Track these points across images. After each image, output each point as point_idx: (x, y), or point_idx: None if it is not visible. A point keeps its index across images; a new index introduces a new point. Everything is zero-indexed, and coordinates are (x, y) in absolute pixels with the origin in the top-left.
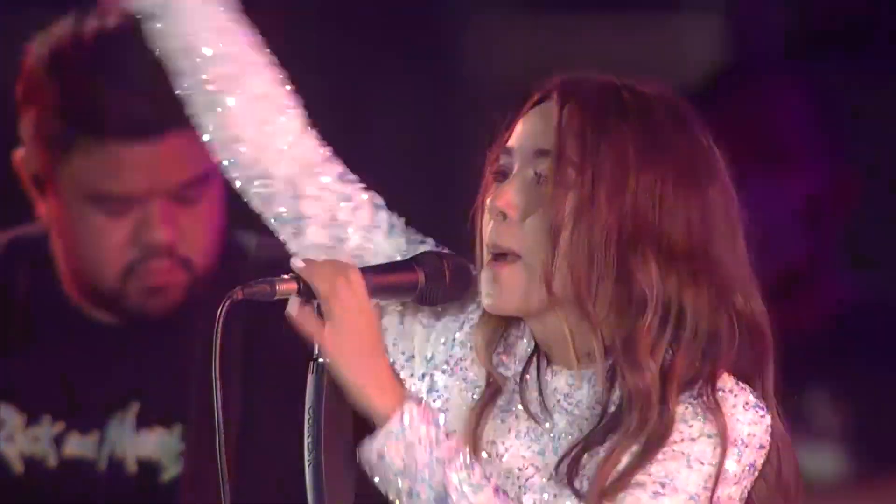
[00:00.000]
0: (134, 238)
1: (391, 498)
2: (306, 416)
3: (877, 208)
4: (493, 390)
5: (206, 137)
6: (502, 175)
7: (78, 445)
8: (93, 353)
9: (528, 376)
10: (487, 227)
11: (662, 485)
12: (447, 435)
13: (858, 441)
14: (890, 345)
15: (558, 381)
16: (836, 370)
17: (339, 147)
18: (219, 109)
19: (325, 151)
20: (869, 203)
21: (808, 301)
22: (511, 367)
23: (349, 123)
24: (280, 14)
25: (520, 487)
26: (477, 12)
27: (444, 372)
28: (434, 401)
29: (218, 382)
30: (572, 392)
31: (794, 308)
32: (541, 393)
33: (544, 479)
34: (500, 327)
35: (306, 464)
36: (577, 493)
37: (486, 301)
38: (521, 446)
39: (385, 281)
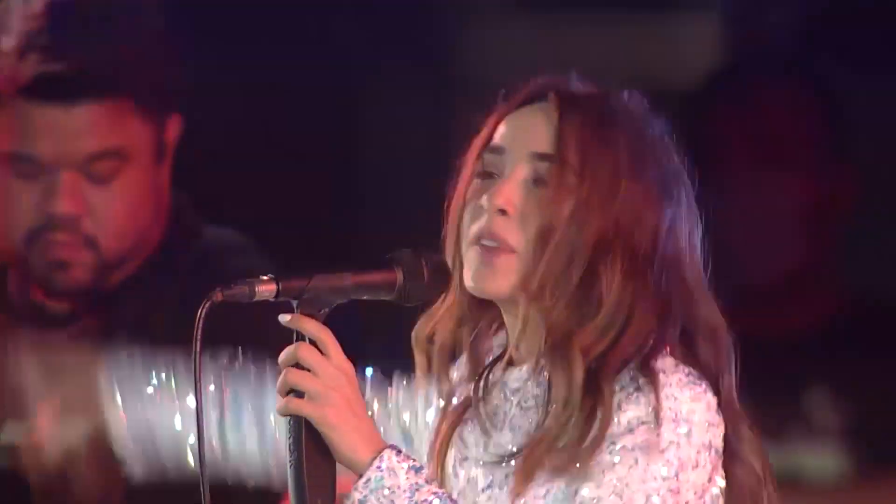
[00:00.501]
0: (39, 205)
1: None
2: (288, 429)
3: (877, 209)
4: (460, 404)
5: None
6: (489, 174)
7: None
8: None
9: (481, 383)
10: (478, 222)
11: (619, 495)
12: (427, 480)
13: (858, 441)
14: (890, 346)
15: (512, 377)
16: (836, 371)
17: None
18: None
19: None
20: (869, 204)
21: (806, 301)
22: (459, 371)
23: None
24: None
25: (478, 492)
26: (474, 12)
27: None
28: None
29: (199, 384)
30: (523, 386)
31: (793, 309)
32: (491, 397)
33: (492, 481)
34: (463, 327)
35: (288, 464)
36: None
37: (471, 283)
38: (476, 451)
39: (363, 280)
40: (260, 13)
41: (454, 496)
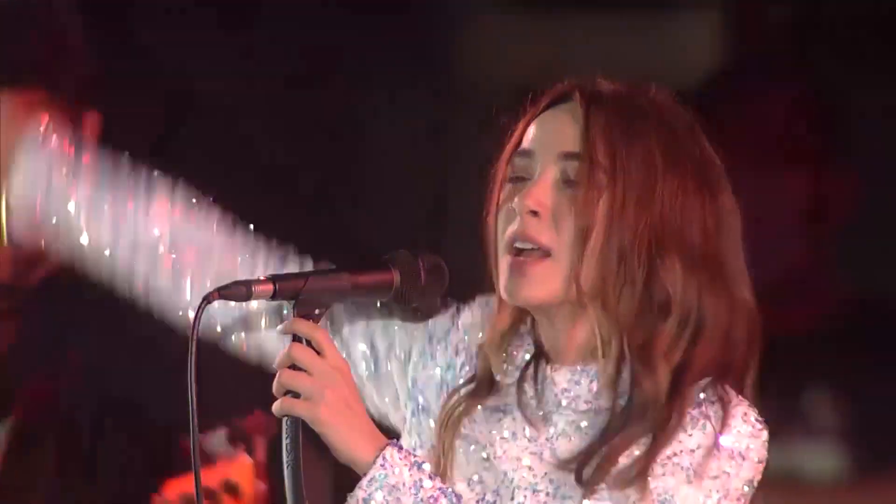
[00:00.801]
0: None
1: None
2: (283, 424)
3: (879, 209)
4: (480, 386)
5: None
6: (519, 178)
7: None
8: None
9: (525, 380)
10: (511, 225)
11: (663, 502)
12: (431, 476)
13: (859, 440)
14: (886, 346)
15: (560, 377)
16: (837, 370)
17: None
18: None
19: None
20: (872, 203)
21: (807, 301)
22: (511, 374)
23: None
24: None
25: (514, 489)
26: (477, 12)
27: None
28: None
29: (194, 385)
30: (571, 388)
31: (794, 308)
32: (538, 395)
33: (538, 480)
34: (514, 326)
35: (285, 465)
36: (584, 493)
37: (506, 293)
38: (517, 448)
39: (360, 281)
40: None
41: (457, 490)
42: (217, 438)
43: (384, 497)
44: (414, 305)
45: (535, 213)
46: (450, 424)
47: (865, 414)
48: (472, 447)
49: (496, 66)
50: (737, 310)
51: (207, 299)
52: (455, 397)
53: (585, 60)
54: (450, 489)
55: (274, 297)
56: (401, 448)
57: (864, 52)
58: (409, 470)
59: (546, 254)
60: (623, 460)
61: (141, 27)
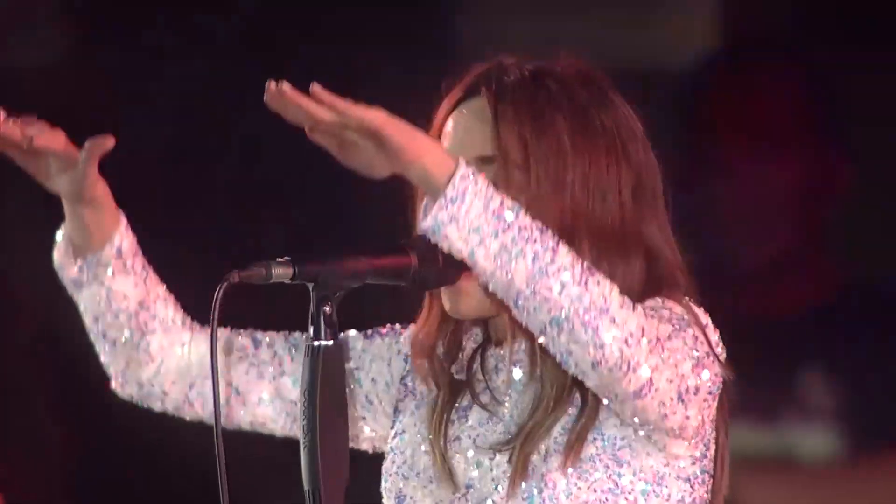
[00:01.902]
0: None
1: (465, 252)
2: (301, 399)
3: (869, 193)
4: (447, 392)
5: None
6: None
7: None
8: None
9: (476, 370)
10: None
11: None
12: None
13: (851, 420)
14: (879, 327)
15: (503, 367)
16: (827, 351)
17: None
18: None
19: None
20: (861, 188)
21: (798, 284)
22: (461, 371)
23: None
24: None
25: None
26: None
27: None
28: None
29: (217, 366)
30: (513, 375)
31: (785, 291)
32: (488, 385)
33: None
34: (446, 331)
35: (301, 447)
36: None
37: (450, 307)
38: (483, 433)
39: (378, 264)
40: None
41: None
42: None
43: (471, 201)
44: (426, 289)
45: None
46: (441, 436)
47: (858, 395)
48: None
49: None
50: (651, 279)
51: (228, 280)
52: (435, 416)
53: (579, 46)
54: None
55: (293, 278)
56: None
57: (860, 38)
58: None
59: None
60: (557, 435)
61: None
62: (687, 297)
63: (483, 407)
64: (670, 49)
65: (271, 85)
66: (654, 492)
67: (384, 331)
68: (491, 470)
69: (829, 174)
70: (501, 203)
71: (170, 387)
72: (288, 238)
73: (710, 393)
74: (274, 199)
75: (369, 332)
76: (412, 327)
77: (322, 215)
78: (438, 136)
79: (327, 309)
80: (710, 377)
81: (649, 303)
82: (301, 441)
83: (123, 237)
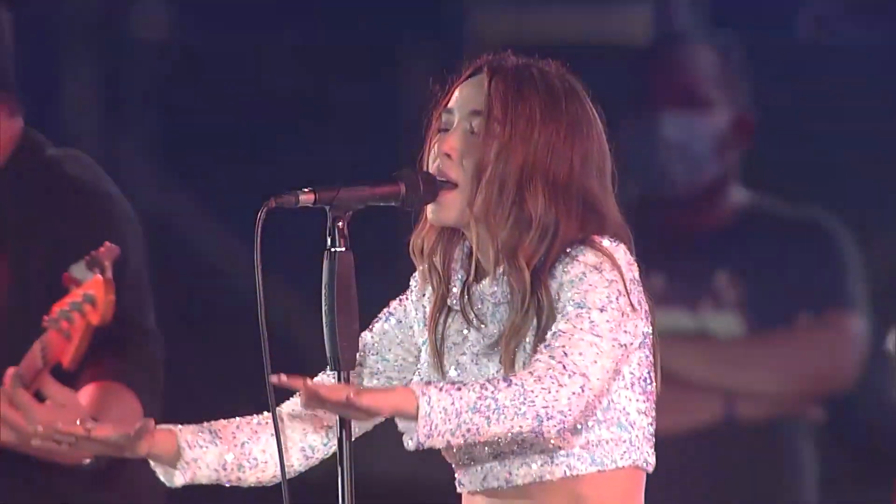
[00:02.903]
0: None
1: (462, 442)
2: (323, 291)
3: (768, 140)
4: (439, 299)
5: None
6: (444, 129)
7: None
8: None
9: (464, 296)
10: (434, 163)
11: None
12: (457, 385)
13: (749, 307)
14: (773, 237)
15: (485, 285)
16: (734, 257)
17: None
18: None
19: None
20: (762, 135)
21: (715, 206)
22: (454, 294)
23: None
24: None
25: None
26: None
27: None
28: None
29: (261, 286)
30: (491, 291)
31: (706, 211)
32: (474, 311)
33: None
34: (444, 239)
35: (324, 325)
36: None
37: (430, 216)
38: (474, 343)
39: (377, 191)
40: None
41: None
42: (78, 267)
43: (442, 418)
44: (413, 208)
45: (448, 156)
46: (438, 335)
47: (755, 289)
48: (449, 345)
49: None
50: (588, 226)
51: (267, 205)
52: (436, 314)
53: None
54: (475, 386)
55: (315, 203)
56: (427, 384)
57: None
58: (444, 392)
59: (454, 186)
60: (527, 338)
61: None
62: (625, 247)
63: (474, 327)
64: (623, 36)
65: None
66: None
67: (384, 317)
68: (487, 366)
69: (739, 127)
70: (452, 404)
71: (298, 455)
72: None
73: (638, 346)
74: (300, 149)
75: (373, 328)
76: (400, 300)
77: (335, 161)
78: (449, 101)
79: (340, 224)
80: (629, 340)
81: (592, 259)
82: (323, 322)
83: (187, 449)
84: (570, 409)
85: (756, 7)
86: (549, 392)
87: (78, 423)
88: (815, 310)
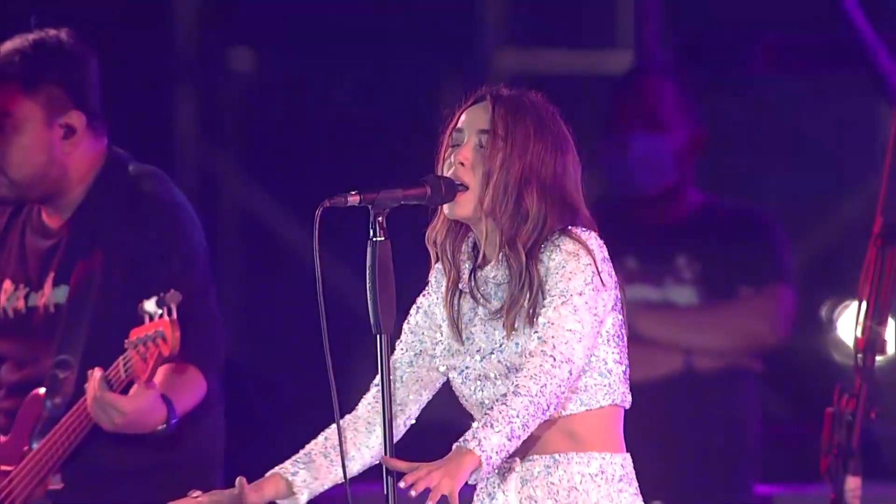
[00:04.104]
0: None
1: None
2: (367, 272)
3: (716, 153)
4: (451, 282)
5: None
6: (455, 144)
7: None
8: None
9: (472, 281)
10: (448, 171)
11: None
12: (489, 423)
13: (702, 282)
14: (720, 227)
15: (489, 270)
16: (690, 244)
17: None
18: None
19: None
20: (711, 149)
21: (675, 204)
22: (463, 278)
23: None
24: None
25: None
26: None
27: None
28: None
29: (320, 279)
30: (493, 275)
31: (668, 208)
32: (479, 287)
33: (485, 338)
34: (452, 233)
35: (368, 299)
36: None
37: (447, 212)
38: (477, 318)
39: (408, 192)
40: None
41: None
42: (150, 302)
43: (496, 458)
44: (435, 206)
45: (462, 164)
46: (454, 312)
47: (707, 268)
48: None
49: None
50: (567, 221)
51: (322, 205)
52: (449, 295)
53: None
54: (510, 413)
55: (360, 202)
56: (473, 438)
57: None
58: (498, 443)
59: (466, 188)
60: (524, 307)
61: None
62: (595, 234)
63: (481, 304)
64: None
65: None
66: None
67: (415, 311)
68: (493, 333)
69: (694, 142)
70: (500, 443)
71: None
72: (358, 179)
73: (611, 309)
74: (353, 160)
75: (409, 322)
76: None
77: (377, 167)
78: (455, 125)
79: (380, 219)
80: (603, 310)
81: (570, 247)
82: (367, 297)
83: (295, 480)
84: (562, 391)
85: (706, 50)
86: (547, 387)
87: (190, 495)
88: (754, 284)
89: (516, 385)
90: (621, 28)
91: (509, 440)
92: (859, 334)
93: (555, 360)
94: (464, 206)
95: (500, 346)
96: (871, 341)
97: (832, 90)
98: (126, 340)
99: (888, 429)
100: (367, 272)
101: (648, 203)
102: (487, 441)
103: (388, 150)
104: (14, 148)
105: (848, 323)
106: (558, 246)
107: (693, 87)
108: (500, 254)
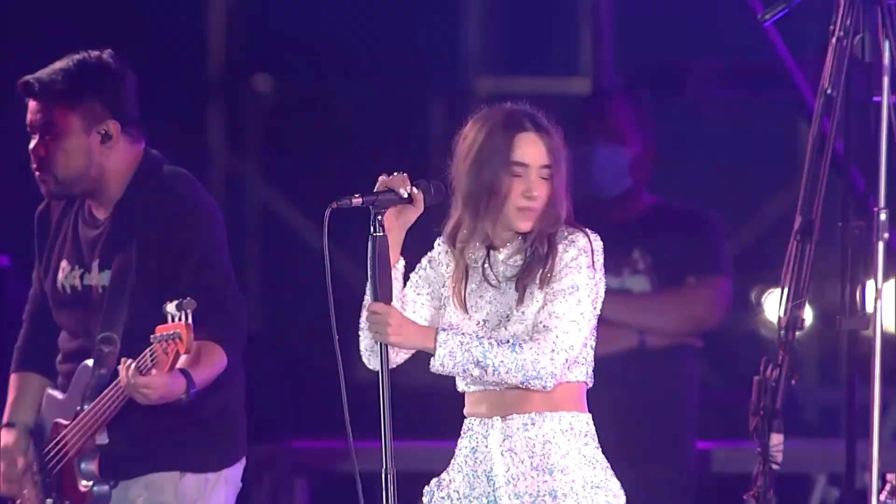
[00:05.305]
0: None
1: (469, 374)
2: (368, 264)
3: (666, 162)
4: (461, 268)
5: None
6: (517, 175)
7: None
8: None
9: (485, 264)
10: (520, 202)
11: (566, 289)
12: (472, 335)
13: (656, 271)
14: (669, 225)
15: (504, 253)
16: (644, 239)
17: None
18: None
19: None
20: (662, 158)
21: (632, 206)
22: (475, 263)
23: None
24: None
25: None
26: None
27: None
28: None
29: (329, 278)
30: (503, 258)
31: (625, 209)
32: (493, 269)
33: (496, 308)
34: (460, 230)
35: (368, 284)
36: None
37: (521, 225)
38: (487, 294)
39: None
40: None
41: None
42: (172, 305)
43: (453, 346)
44: (427, 205)
45: (537, 198)
46: (462, 290)
47: (660, 260)
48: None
49: None
50: (566, 211)
51: (330, 206)
52: (457, 288)
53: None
54: (475, 334)
55: (362, 203)
56: (444, 330)
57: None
58: (455, 334)
59: (536, 210)
60: (536, 279)
61: None
62: (598, 236)
63: (492, 284)
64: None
65: None
66: None
67: (418, 269)
68: (503, 303)
69: (647, 152)
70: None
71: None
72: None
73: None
74: (361, 168)
75: (411, 277)
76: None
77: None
78: (509, 155)
79: (380, 218)
80: (598, 299)
81: (583, 244)
82: (368, 284)
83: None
84: (552, 379)
85: (652, 75)
86: (539, 363)
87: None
88: (697, 274)
89: (519, 342)
90: (581, 58)
91: (474, 365)
92: (782, 314)
93: (555, 345)
94: (528, 224)
95: (507, 316)
96: (791, 320)
97: (758, 108)
98: (152, 336)
99: (805, 393)
100: (368, 262)
101: (609, 204)
102: (455, 343)
103: (385, 159)
104: (59, 152)
105: (773, 305)
106: (573, 242)
107: (645, 106)
108: (518, 240)
